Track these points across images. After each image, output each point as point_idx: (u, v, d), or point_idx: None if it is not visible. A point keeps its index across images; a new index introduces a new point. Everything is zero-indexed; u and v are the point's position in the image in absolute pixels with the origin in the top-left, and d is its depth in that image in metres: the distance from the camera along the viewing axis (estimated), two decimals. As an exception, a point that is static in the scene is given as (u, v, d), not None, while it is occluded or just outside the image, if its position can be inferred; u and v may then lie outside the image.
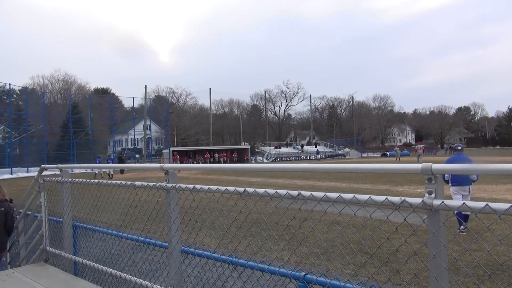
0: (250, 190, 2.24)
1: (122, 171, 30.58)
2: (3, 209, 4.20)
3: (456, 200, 6.04)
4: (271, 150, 61.29)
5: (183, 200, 2.86)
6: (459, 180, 7.26)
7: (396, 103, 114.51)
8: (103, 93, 72.38)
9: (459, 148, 8.49)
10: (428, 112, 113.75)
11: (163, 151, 52.61)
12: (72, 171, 4.15)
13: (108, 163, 35.92)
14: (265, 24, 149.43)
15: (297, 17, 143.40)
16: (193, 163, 48.41)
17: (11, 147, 39.14)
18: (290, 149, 63.98)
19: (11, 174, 33.93)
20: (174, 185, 2.71)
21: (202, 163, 49.03)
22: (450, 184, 7.42)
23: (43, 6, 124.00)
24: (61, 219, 4.20)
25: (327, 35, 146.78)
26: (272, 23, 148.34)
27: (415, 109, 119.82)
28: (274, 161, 56.21)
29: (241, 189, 2.29)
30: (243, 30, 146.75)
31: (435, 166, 1.60)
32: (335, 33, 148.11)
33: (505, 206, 1.38)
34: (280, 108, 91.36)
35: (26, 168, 36.48)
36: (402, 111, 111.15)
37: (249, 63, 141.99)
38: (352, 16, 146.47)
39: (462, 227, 6.91)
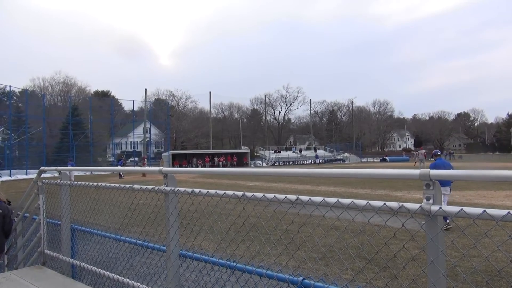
0: (249, 194, 2.24)
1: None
2: (0, 211, 4.19)
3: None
4: (271, 154, 61.31)
5: (182, 203, 2.85)
6: (443, 182, 7.63)
7: (396, 108, 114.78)
8: (103, 96, 72.50)
9: (438, 153, 9.72)
10: (427, 118, 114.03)
11: (162, 155, 52.57)
12: (70, 173, 4.15)
13: (120, 165, 35.78)
14: (266, 28, 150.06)
15: (299, 21, 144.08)
16: (191, 166, 48.42)
17: (11, 149, 39.10)
18: (289, 154, 64.00)
19: (10, 176, 33.86)
20: (173, 188, 2.71)
21: (202, 166, 49.00)
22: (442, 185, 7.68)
23: (45, 8, 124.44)
24: (59, 222, 4.19)
25: (328, 40, 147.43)
26: (273, 27, 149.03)
27: (415, 114, 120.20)
28: (273, 165, 56.19)
29: (239, 193, 2.29)
30: (244, 34, 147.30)
31: (433, 172, 1.61)
32: (336, 38, 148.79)
33: (503, 212, 1.38)
34: (280, 112, 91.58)
35: (25, 170, 36.45)
36: (402, 117, 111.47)
37: (249, 67, 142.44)
38: (353, 21, 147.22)
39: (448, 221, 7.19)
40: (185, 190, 2.62)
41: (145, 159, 39.84)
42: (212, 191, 2.45)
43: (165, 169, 2.84)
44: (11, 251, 4.80)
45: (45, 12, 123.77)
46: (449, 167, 8.62)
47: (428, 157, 37.60)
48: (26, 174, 35.17)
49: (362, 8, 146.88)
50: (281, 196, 2.09)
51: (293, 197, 2.03)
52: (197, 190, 2.54)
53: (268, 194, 2.15)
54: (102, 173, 34.75)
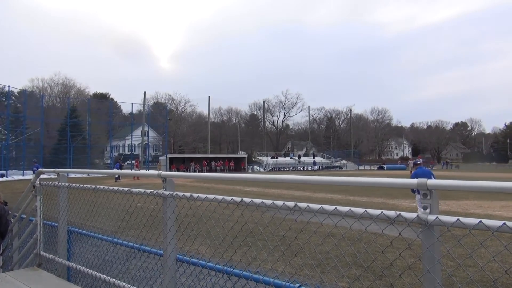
0: (247, 200, 2.25)
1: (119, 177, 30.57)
2: None
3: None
4: (268, 160, 61.30)
5: (180, 208, 2.86)
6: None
7: (394, 116, 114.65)
8: (102, 98, 72.39)
9: (418, 163, 10.01)
10: (425, 127, 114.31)
11: (160, 158, 52.49)
12: (68, 175, 4.15)
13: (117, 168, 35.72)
14: (266, 33, 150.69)
15: (299, 27, 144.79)
16: (188, 171, 48.33)
17: (8, 149, 38.95)
18: (287, 160, 64.03)
19: (7, 176, 33.73)
20: (171, 192, 2.72)
21: (199, 171, 48.94)
22: (417, 193, 7.68)
23: (46, 8, 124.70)
24: (56, 224, 4.18)
25: (327, 47, 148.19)
26: (273, 32, 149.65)
27: (413, 123, 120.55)
28: (271, 171, 56.16)
29: (238, 199, 2.30)
30: (244, 38, 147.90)
31: (431, 181, 1.63)
32: (336, 45, 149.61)
33: (498, 223, 1.40)
34: (278, 118, 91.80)
35: (22, 171, 36.32)
36: (400, 125, 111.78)
37: (249, 72, 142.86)
38: (354, 29, 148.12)
39: None
40: (183, 194, 2.62)
41: (138, 162, 39.77)
42: (211, 196, 2.45)
43: (164, 173, 2.84)
44: (6, 252, 4.78)
45: (46, 12, 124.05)
46: (430, 175, 8.70)
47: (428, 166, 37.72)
48: (23, 175, 35.06)
49: (362, 16, 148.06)
50: (279, 203, 2.10)
51: (291, 203, 2.04)
52: (195, 195, 2.54)
53: (266, 200, 2.17)
54: (99, 175, 34.68)
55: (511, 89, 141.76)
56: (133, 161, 52.22)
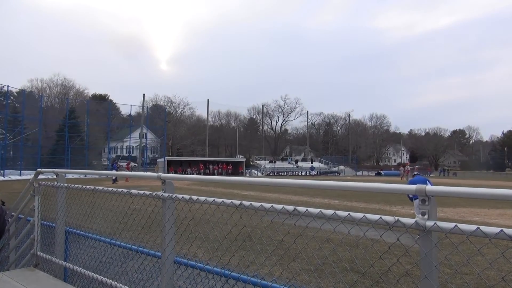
0: (246, 203, 2.26)
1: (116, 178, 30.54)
2: None
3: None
4: (266, 164, 61.27)
5: (179, 210, 2.86)
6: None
7: (392, 123, 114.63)
8: (101, 99, 72.35)
9: (415, 173, 11.52)
10: (423, 133, 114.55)
11: (158, 160, 52.41)
12: (65, 176, 4.15)
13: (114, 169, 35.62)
14: (267, 38, 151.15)
15: (299, 32, 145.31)
16: (187, 173, 48.28)
17: (5, 149, 38.82)
18: (285, 164, 63.98)
19: (3, 176, 33.61)
20: (170, 194, 2.72)
21: (196, 174, 48.88)
22: (414, 199, 8.51)
23: (47, 8, 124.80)
24: (53, 224, 4.17)
25: (327, 52, 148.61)
26: (273, 37, 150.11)
27: (411, 129, 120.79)
28: (268, 175, 56.12)
29: (237, 202, 2.31)
30: (244, 43, 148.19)
31: (429, 188, 1.64)
32: (335, 50, 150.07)
33: (496, 230, 1.41)
34: (277, 122, 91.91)
35: (19, 171, 36.18)
36: (398, 131, 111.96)
37: (248, 76, 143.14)
38: (354, 34, 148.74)
39: None
40: (183, 196, 2.63)
41: (128, 165, 39.63)
42: (210, 199, 2.46)
43: (163, 175, 2.84)
44: (3, 252, 4.76)
45: (46, 12, 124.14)
46: (425, 182, 9.10)
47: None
48: (20, 175, 34.90)
49: (362, 22, 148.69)
50: (278, 206, 2.11)
51: (290, 207, 2.05)
52: (195, 197, 2.55)
53: (265, 204, 2.17)
54: (96, 176, 34.61)
55: (509, 97, 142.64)
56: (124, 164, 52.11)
